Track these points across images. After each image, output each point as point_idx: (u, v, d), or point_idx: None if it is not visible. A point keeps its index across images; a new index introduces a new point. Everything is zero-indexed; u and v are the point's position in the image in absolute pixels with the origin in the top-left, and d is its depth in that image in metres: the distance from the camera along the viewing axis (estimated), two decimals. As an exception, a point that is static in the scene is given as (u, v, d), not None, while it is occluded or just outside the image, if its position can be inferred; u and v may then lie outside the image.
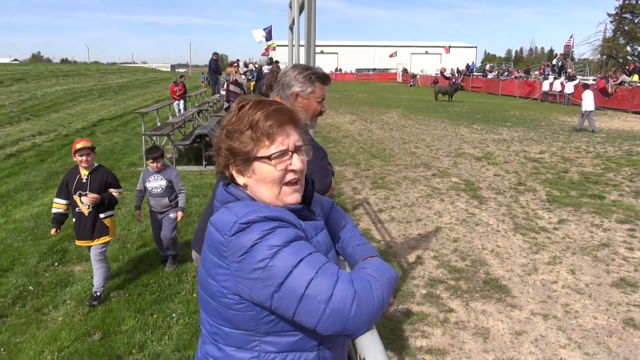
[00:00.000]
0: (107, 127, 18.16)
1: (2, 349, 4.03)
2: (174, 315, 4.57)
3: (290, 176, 1.40)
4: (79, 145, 4.58)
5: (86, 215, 4.68)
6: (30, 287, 5.13)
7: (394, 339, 4.24)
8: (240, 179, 1.46)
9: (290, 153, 1.41)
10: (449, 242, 6.55)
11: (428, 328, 4.45)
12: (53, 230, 4.72)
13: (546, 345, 4.16)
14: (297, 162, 1.41)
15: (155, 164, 5.41)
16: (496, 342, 4.22)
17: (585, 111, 17.03)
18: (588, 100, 16.99)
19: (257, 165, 1.41)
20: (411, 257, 6.05)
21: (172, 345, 4.08)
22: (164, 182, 5.45)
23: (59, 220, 4.73)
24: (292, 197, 1.42)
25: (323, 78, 2.56)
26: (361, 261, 1.53)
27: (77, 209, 4.68)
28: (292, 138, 1.42)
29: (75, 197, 4.64)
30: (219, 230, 1.33)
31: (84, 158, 4.59)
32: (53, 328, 4.35)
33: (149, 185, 5.45)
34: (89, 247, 4.83)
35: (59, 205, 4.71)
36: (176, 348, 4.03)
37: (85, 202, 4.62)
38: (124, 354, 3.99)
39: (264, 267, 1.24)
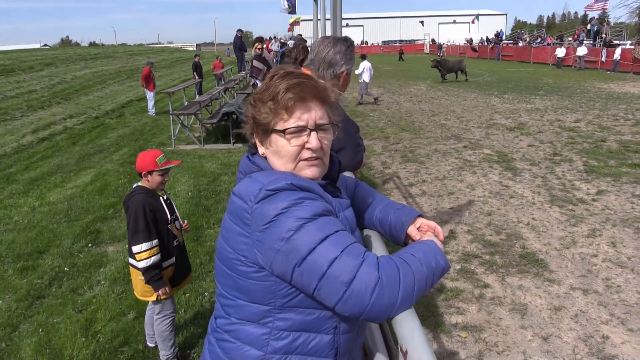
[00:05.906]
0: (136, 108, 18.32)
1: (40, 330, 4.11)
2: (205, 294, 4.58)
3: (306, 154, 1.33)
4: (161, 159, 3.36)
5: (182, 246, 3.69)
6: (65, 268, 5.21)
7: (428, 316, 4.16)
8: (260, 149, 1.42)
9: (309, 130, 1.33)
10: (483, 215, 6.39)
11: (463, 304, 4.35)
12: (168, 289, 3.41)
13: (587, 321, 4.02)
14: (314, 140, 1.32)
15: None
16: (534, 318, 4.09)
17: (363, 82, 16.66)
18: (366, 72, 16.46)
19: (274, 137, 1.35)
20: (444, 232, 5.91)
21: (204, 324, 4.09)
22: None
23: (161, 269, 3.42)
24: (309, 171, 1.34)
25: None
26: (414, 242, 1.44)
27: (175, 241, 3.54)
28: (313, 114, 1.34)
29: (171, 227, 3.53)
30: (243, 198, 1.26)
31: (165, 178, 3.50)
32: (88, 308, 4.40)
33: None
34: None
35: (154, 250, 3.32)
36: (209, 327, 4.03)
37: (180, 230, 3.67)
38: (158, 333, 4.02)
39: (288, 239, 1.17)
